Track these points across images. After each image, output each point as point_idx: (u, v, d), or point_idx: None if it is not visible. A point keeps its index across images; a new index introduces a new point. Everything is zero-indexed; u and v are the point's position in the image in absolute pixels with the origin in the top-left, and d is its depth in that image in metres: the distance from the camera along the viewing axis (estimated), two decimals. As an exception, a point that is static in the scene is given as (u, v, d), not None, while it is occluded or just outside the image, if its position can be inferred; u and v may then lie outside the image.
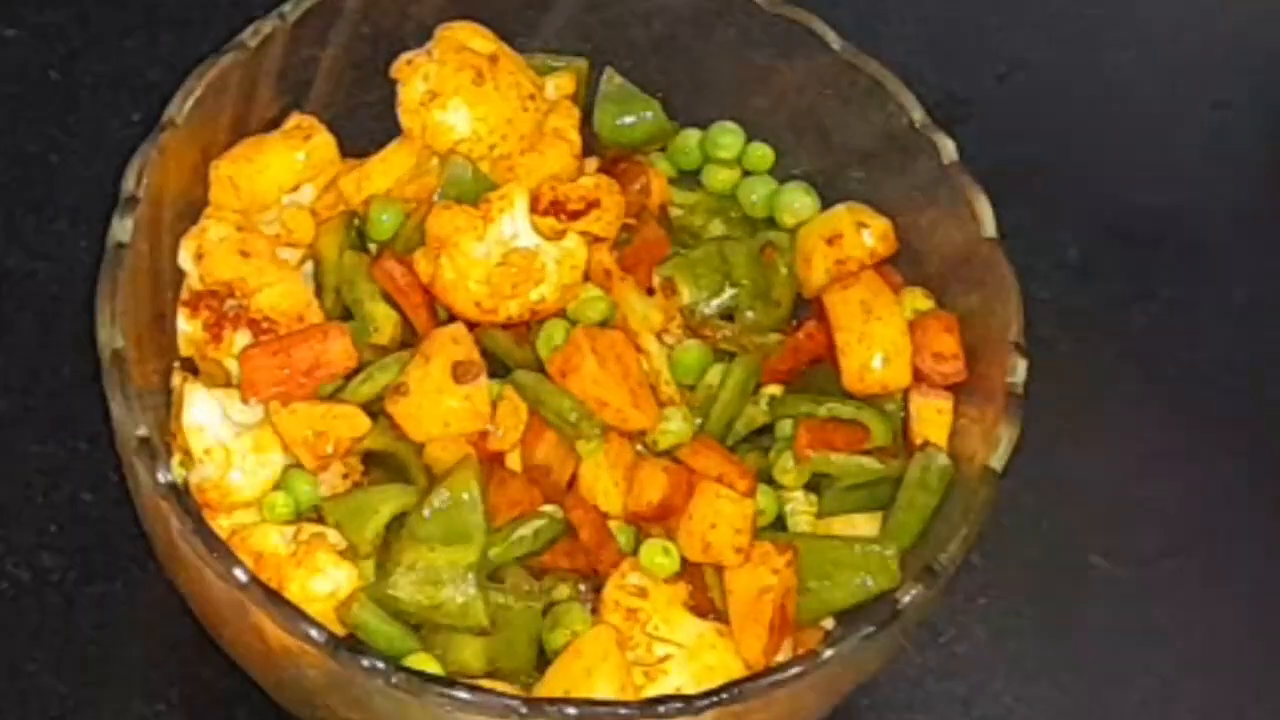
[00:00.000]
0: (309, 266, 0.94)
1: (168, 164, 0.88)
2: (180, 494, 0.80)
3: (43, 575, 0.97)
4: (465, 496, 0.85)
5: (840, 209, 0.96)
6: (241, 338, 0.89)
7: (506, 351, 0.90)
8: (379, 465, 0.89)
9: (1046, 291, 1.11)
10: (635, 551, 0.88)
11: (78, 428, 1.00)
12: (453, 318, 0.90)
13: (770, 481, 0.90)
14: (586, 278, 0.91)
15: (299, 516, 0.88)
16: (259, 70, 0.92)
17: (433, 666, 0.83)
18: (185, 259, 0.91)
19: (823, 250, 0.94)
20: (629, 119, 0.97)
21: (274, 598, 0.79)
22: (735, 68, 0.98)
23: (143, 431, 0.81)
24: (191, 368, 0.90)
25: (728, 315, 0.95)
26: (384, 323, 0.91)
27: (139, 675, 0.95)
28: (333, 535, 0.86)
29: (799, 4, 0.96)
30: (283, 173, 0.93)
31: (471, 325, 0.89)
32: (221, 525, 0.87)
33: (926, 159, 0.93)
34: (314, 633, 0.78)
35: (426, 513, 0.85)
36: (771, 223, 0.98)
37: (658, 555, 0.87)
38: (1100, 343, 1.11)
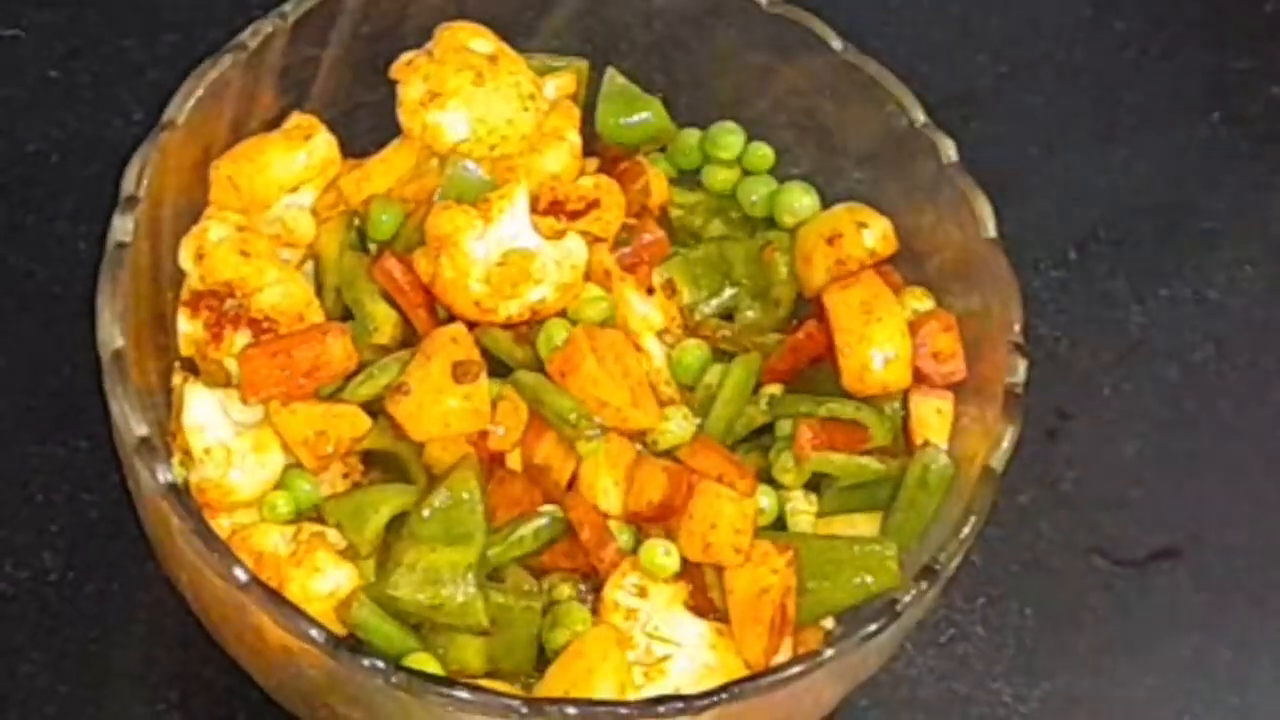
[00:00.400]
0: (309, 266, 0.94)
1: (168, 164, 0.88)
2: (180, 494, 0.80)
3: (42, 575, 0.97)
4: (465, 496, 0.85)
5: (840, 209, 0.95)
6: (242, 338, 0.89)
7: (507, 351, 0.90)
8: (379, 465, 0.89)
9: (1046, 291, 1.11)
10: (635, 551, 0.88)
11: (78, 427, 1.00)
12: (453, 317, 0.90)
13: (770, 481, 0.90)
14: (587, 278, 0.91)
15: (299, 516, 0.88)
16: (259, 70, 0.92)
17: (433, 666, 0.83)
18: (185, 259, 0.90)
19: (823, 250, 0.94)
20: (630, 119, 0.97)
21: (274, 597, 0.79)
22: (736, 68, 0.98)
23: (143, 431, 0.81)
24: (192, 367, 0.90)
25: (728, 315, 0.95)
26: (384, 322, 0.91)
27: (138, 675, 0.95)
28: (333, 535, 0.86)
29: (799, 4, 0.96)
30: (283, 173, 0.92)
31: (471, 325, 0.89)
32: (221, 525, 0.87)
33: (927, 159, 0.93)
34: (314, 632, 0.78)
35: (426, 512, 0.85)
36: (771, 223, 0.97)
37: (658, 555, 0.87)
38: (1100, 343, 1.11)
